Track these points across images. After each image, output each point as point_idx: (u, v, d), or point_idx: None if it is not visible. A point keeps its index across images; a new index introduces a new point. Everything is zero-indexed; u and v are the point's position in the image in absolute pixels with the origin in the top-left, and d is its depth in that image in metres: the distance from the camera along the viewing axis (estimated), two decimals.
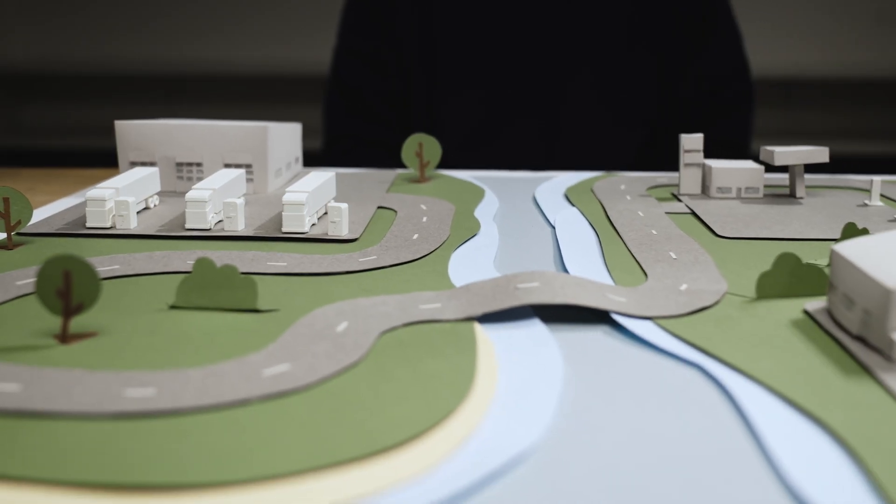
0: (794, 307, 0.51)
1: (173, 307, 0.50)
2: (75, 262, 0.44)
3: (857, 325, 0.45)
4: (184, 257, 0.60)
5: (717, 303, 0.51)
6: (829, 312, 0.49)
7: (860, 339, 0.45)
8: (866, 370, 0.42)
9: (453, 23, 1.23)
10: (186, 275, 0.51)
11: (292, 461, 0.33)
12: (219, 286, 0.50)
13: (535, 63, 1.22)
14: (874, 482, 0.31)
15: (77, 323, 0.47)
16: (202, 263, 0.51)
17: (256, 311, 0.50)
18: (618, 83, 1.24)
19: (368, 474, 0.32)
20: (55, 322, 0.47)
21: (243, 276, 0.50)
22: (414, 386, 0.39)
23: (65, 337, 0.45)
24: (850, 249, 0.48)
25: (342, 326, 0.46)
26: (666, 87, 1.26)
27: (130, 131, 0.81)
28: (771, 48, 2.73)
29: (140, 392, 0.38)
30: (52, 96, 2.99)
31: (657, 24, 1.23)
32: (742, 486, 0.32)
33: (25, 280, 0.55)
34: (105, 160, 1.00)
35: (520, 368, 0.42)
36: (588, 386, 0.41)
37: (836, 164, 0.86)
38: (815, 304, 0.51)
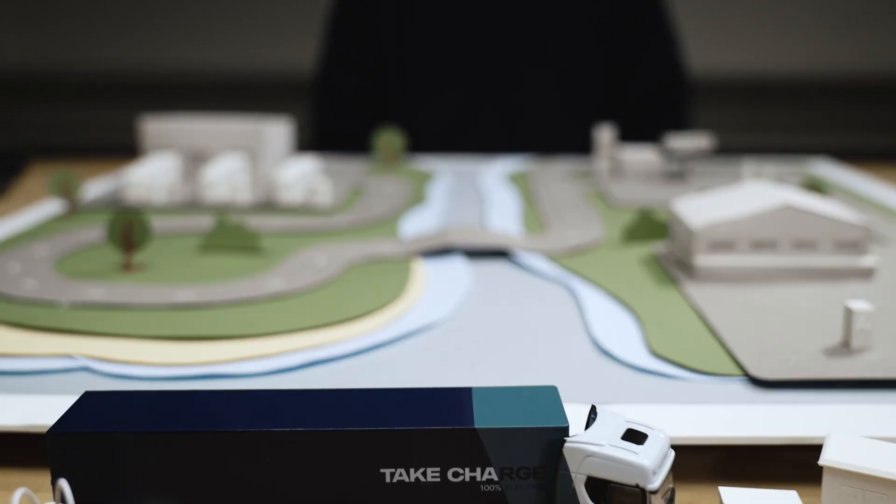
0: (645, 249, 0.71)
1: (203, 249, 0.70)
2: (134, 215, 0.64)
3: (678, 255, 0.65)
4: (205, 221, 0.80)
5: (592, 245, 0.71)
6: (667, 251, 0.69)
7: (681, 265, 0.65)
8: (674, 282, 0.62)
9: (427, 27, 1.42)
10: (210, 229, 0.71)
11: (287, 325, 0.53)
12: (232, 236, 0.70)
13: (497, 63, 1.41)
14: (650, 345, 0.51)
15: (134, 259, 0.66)
16: (220, 221, 0.70)
17: (259, 252, 0.69)
18: (570, 79, 1.43)
19: (337, 332, 0.52)
20: (119, 257, 0.67)
21: (249, 229, 0.70)
22: (367, 290, 0.59)
23: (127, 266, 0.65)
24: (679, 205, 0.68)
25: (320, 259, 0.66)
26: (613, 83, 1.45)
27: (154, 127, 1.01)
28: (741, 48, 2.94)
29: (184, 294, 0.58)
30: (44, 98, 3.17)
31: (607, 27, 1.42)
32: (570, 343, 0.52)
33: (94, 234, 0.74)
34: (98, 153, 1.19)
35: (440, 282, 0.62)
36: (484, 291, 0.61)
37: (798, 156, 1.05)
38: (660, 246, 0.71)
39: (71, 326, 0.52)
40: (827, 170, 1.10)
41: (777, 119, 3.12)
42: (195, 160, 1.00)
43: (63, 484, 0.30)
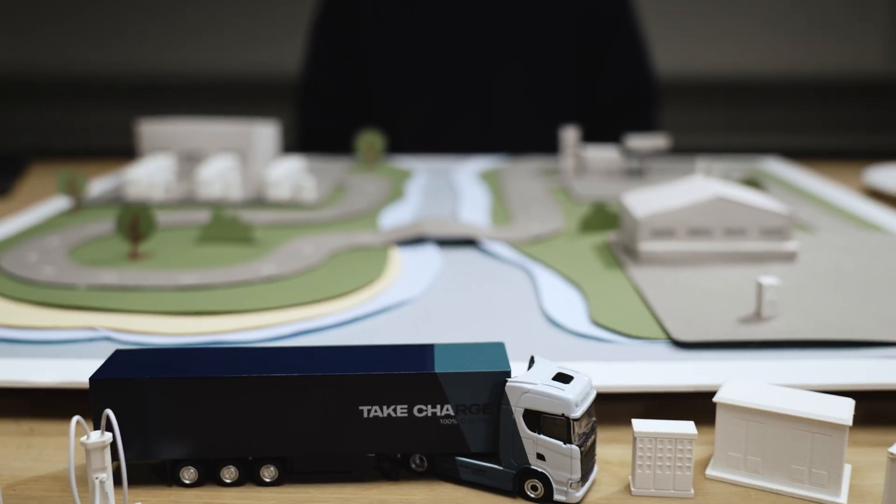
0: (599, 238, 0.79)
1: (201, 240, 0.78)
2: (140, 209, 0.72)
3: (625, 242, 0.74)
4: (201, 215, 0.87)
5: (552, 235, 0.80)
6: (618, 239, 0.77)
7: (627, 251, 0.73)
8: (621, 265, 0.70)
9: (405, 34, 1.49)
10: (206, 222, 0.78)
11: (279, 302, 0.60)
12: (227, 227, 0.77)
13: (472, 68, 1.49)
14: (592, 316, 0.59)
15: (140, 248, 0.74)
16: (217, 214, 0.78)
17: (252, 242, 0.77)
18: (542, 83, 1.51)
19: (324, 308, 0.60)
20: (127, 246, 0.74)
21: (243, 222, 0.78)
22: (349, 273, 0.67)
23: (134, 255, 0.73)
24: (628, 198, 0.76)
25: (307, 247, 0.74)
26: (582, 85, 1.54)
27: (150, 129, 1.08)
28: (715, 51, 3.03)
29: (187, 278, 0.66)
30: (36, 100, 3.23)
31: (577, 33, 1.50)
32: (524, 315, 0.60)
33: (100, 228, 0.82)
34: (92, 154, 1.26)
35: (414, 266, 0.70)
36: (453, 274, 0.69)
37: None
38: (612, 235, 0.79)
39: (90, 304, 0.60)
40: (776, 167, 1.19)
41: (736, 119, 3.21)
42: (189, 160, 1.07)
43: (108, 412, 0.37)
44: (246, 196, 0.97)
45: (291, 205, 0.94)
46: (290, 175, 0.98)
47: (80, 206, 0.92)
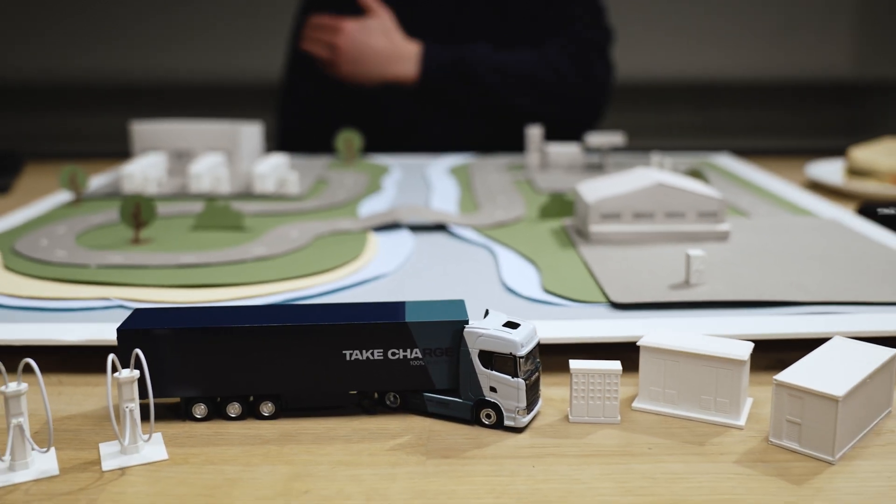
0: (557, 223, 0.88)
1: (195, 227, 0.86)
2: (142, 199, 0.80)
3: (578, 225, 0.82)
4: (193, 206, 0.95)
5: (514, 221, 0.88)
6: (573, 223, 0.86)
7: (580, 233, 0.82)
8: (573, 245, 0.79)
9: None
10: (201, 211, 0.86)
11: (270, 276, 0.69)
12: (220, 215, 0.85)
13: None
14: (543, 284, 0.67)
15: (141, 234, 0.82)
16: (210, 204, 0.86)
17: (242, 229, 0.85)
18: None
19: (309, 281, 0.68)
20: (129, 233, 0.82)
21: (234, 211, 0.86)
22: (331, 253, 0.76)
23: (136, 240, 0.80)
24: (581, 186, 0.85)
25: (293, 232, 0.82)
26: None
27: (143, 129, 1.16)
28: (689, 54, 3.13)
29: (186, 258, 0.74)
30: (21, 105, 3.28)
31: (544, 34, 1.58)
32: (485, 286, 0.68)
33: (101, 218, 0.89)
34: (78, 157, 1.34)
35: (389, 247, 0.78)
36: (423, 254, 0.77)
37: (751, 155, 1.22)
38: (569, 221, 0.88)
39: (101, 280, 0.68)
40: (727, 162, 1.28)
41: (704, 121, 3.32)
42: (180, 158, 1.15)
43: (138, 351, 0.45)
44: (233, 190, 1.05)
45: (277, 196, 1.02)
46: (275, 169, 1.06)
47: (81, 200, 1.00)
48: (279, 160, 1.09)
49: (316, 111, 1.61)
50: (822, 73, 3.27)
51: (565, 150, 1.19)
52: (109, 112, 3.23)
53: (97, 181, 1.13)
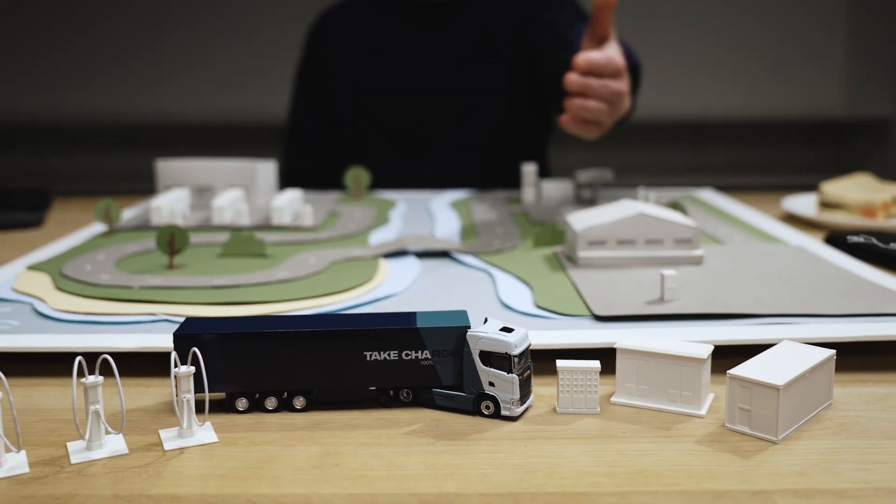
0: (549, 250, 0.97)
1: (222, 255, 0.95)
2: (176, 228, 0.89)
3: (568, 252, 0.92)
4: (217, 237, 1.04)
5: (511, 248, 0.97)
6: (563, 250, 0.95)
7: (569, 258, 0.91)
8: (563, 269, 0.88)
9: (375, 83, 1.67)
10: (226, 241, 0.95)
11: (294, 295, 0.78)
12: (244, 244, 0.95)
13: (440, 112, 1.66)
14: (536, 301, 0.76)
15: (175, 260, 0.91)
16: (235, 233, 0.95)
17: (265, 256, 0.94)
18: (503, 127, 1.69)
19: (328, 300, 0.77)
20: (163, 260, 0.91)
21: (258, 239, 0.95)
22: (346, 276, 0.85)
23: (170, 266, 0.89)
24: (570, 216, 0.94)
25: (311, 259, 0.91)
26: (541, 130, 1.73)
27: (167, 166, 1.25)
28: (680, 95, 3.25)
29: (220, 280, 0.83)
30: (46, 146, 3.40)
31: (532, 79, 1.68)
32: (484, 303, 0.77)
33: (136, 247, 0.99)
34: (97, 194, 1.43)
35: (397, 272, 0.87)
36: (429, 277, 0.86)
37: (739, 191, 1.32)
38: (560, 248, 0.97)
39: (145, 298, 0.77)
40: (709, 196, 1.38)
41: (695, 160, 3.42)
42: (201, 193, 1.24)
43: (195, 349, 0.54)
44: (253, 222, 1.14)
45: (293, 228, 1.11)
46: (291, 203, 1.15)
47: (114, 231, 1.09)
48: (294, 195, 1.19)
49: (317, 152, 1.71)
50: (811, 112, 3.38)
51: (558, 186, 1.29)
52: (112, 152, 3.36)
53: (126, 214, 1.22)
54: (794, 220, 1.26)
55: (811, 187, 1.36)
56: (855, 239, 1.03)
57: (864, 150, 3.47)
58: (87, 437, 0.52)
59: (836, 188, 1.28)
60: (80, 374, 0.52)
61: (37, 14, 3.31)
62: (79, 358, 0.52)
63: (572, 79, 1.02)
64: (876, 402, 0.60)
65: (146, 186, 1.55)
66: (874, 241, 1.02)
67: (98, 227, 1.14)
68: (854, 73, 3.42)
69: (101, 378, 0.52)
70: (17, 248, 1.08)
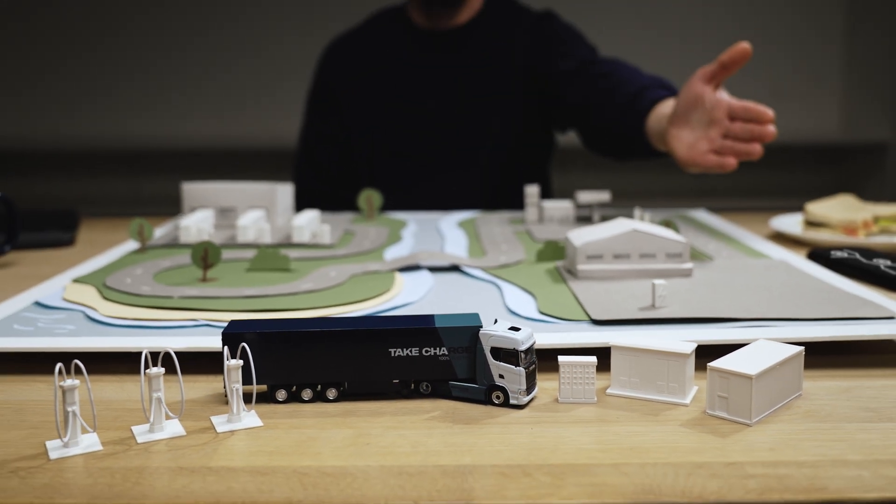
0: (551, 265, 1.05)
1: (249, 269, 1.03)
2: (209, 244, 0.97)
3: (568, 266, 1.00)
4: (243, 254, 1.12)
5: (516, 263, 1.06)
6: (564, 265, 1.03)
7: (569, 271, 0.99)
8: (564, 281, 0.96)
9: (384, 109, 1.75)
10: (253, 256, 1.04)
11: (319, 304, 0.86)
12: (270, 259, 1.03)
13: (447, 137, 1.75)
14: (539, 308, 0.84)
15: (208, 274, 0.99)
16: (262, 249, 1.03)
17: (290, 271, 1.02)
18: (509, 152, 1.77)
19: (350, 308, 0.85)
20: (196, 273, 0.99)
21: (283, 255, 1.03)
22: (365, 287, 0.93)
23: (204, 278, 0.98)
24: (570, 233, 1.02)
25: (332, 272, 0.99)
26: (544, 153, 1.81)
27: (192, 188, 1.34)
28: None
29: (251, 291, 0.91)
30: (70, 170, 3.49)
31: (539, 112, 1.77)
32: (492, 309, 0.85)
33: (169, 262, 1.07)
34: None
35: (412, 284, 0.96)
36: (441, 288, 0.94)
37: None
38: (561, 263, 1.05)
39: (185, 307, 0.85)
40: (701, 216, 1.46)
41: (681, 183, 3.50)
42: (223, 213, 1.33)
43: (244, 344, 0.62)
44: (274, 240, 1.22)
45: (312, 245, 1.19)
46: (310, 222, 1.23)
47: (146, 248, 1.17)
48: (312, 214, 1.27)
49: (327, 173, 1.79)
50: (808, 137, 3.46)
51: (559, 206, 1.37)
52: (114, 176, 3.47)
53: (157, 232, 1.30)
54: (780, 238, 1.34)
55: (800, 209, 1.44)
56: (838, 254, 1.11)
57: (860, 174, 3.56)
58: (150, 419, 0.60)
59: (821, 208, 1.36)
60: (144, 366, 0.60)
61: (61, 45, 3.42)
62: (145, 352, 0.60)
63: (739, 127, 1.18)
64: (841, 393, 0.68)
65: (153, 210, 1.63)
66: (857, 256, 1.10)
67: (129, 245, 1.22)
68: (851, 98, 3.51)
69: (163, 369, 0.60)
70: (55, 264, 1.16)
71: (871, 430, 0.60)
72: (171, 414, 0.61)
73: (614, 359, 0.68)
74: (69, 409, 0.58)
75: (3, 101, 3.44)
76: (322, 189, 1.79)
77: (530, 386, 0.66)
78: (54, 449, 0.58)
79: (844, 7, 3.48)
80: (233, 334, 0.65)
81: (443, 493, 0.52)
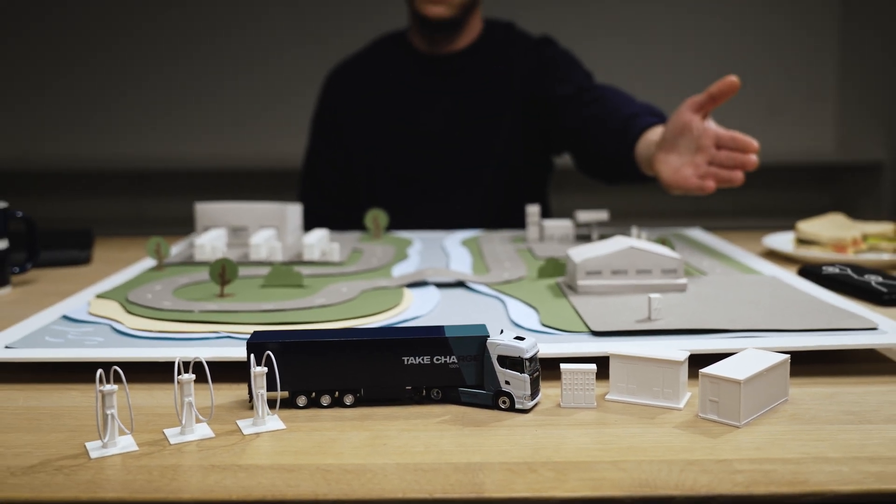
0: (552, 281, 1.10)
1: (264, 285, 1.08)
2: (227, 260, 1.02)
3: (568, 281, 1.05)
4: (256, 271, 1.17)
5: (518, 279, 1.10)
6: (565, 281, 1.08)
7: (570, 287, 1.04)
8: (565, 295, 1.01)
9: (387, 132, 1.80)
10: (268, 273, 1.08)
11: (332, 317, 0.90)
12: (284, 275, 1.07)
13: (449, 159, 1.80)
14: (542, 320, 0.89)
15: (225, 290, 1.04)
16: (276, 266, 1.08)
17: (303, 287, 1.07)
18: (511, 173, 1.82)
19: (362, 321, 0.90)
20: (213, 289, 1.04)
21: (296, 272, 1.08)
22: (376, 302, 0.98)
23: (222, 294, 1.02)
24: (571, 250, 1.07)
25: (343, 288, 1.04)
26: (543, 175, 1.87)
27: (205, 208, 1.39)
28: None
29: (267, 305, 0.96)
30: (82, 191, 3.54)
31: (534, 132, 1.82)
32: (497, 322, 0.90)
33: (186, 279, 1.12)
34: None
35: (420, 299, 1.00)
36: (448, 302, 0.99)
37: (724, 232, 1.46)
38: (561, 279, 1.10)
39: (206, 320, 0.90)
40: (697, 234, 1.51)
41: (677, 205, 3.55)
42: (235, 233, 1.38)
43: (269, 352, 0.67)
44: (285, 258, 1.27)
45: (322, 262, 1.24)
46: (320, 241, 1.28)
47: (162, 266, 1.22)
48: (322, 233, 1.32)
49: (335, 196, 1.84)
50: (803, 157, 3.52)
51: (559, 225, 1.42)
52: (117, 197, 3.53)
53: (172, 251, 1.35)
54: (772, 255, 1.39)
55: (793, 228, 1.49)
56: (830, 270, 1.16)
57: (855, 194, 3.61)
58: (182, 422, 0.65)
59: (811, 226, 1.41)
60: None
61: (70, 69, 3.48)
62: (178, 359, 0.65)
63: (725, 155, 1.23)
64: (825, 398, 0.73)
65: (159, 230, 1.67)
66: (849, 272, 1.15)
67: (145, 263, 1.27)
68: (846, 118, 3.57)
69: (193, 375, 0.65)
70: (74, 281, 1.21)
71: (852, 431, 0.65)
72: (201, 417, 0.66)
73: (613, 367, 0.73)
74: (108, 412, 0.62)
75: (6, 122, 3.50)
76: (326, 210, 1.83)
77: (534, 391, 0.70)
78: (94, 449, 0.63)
79: (839, 27, 3.55)
80: (257, 343, 0.70)
81: (455, 486, 0.56)
